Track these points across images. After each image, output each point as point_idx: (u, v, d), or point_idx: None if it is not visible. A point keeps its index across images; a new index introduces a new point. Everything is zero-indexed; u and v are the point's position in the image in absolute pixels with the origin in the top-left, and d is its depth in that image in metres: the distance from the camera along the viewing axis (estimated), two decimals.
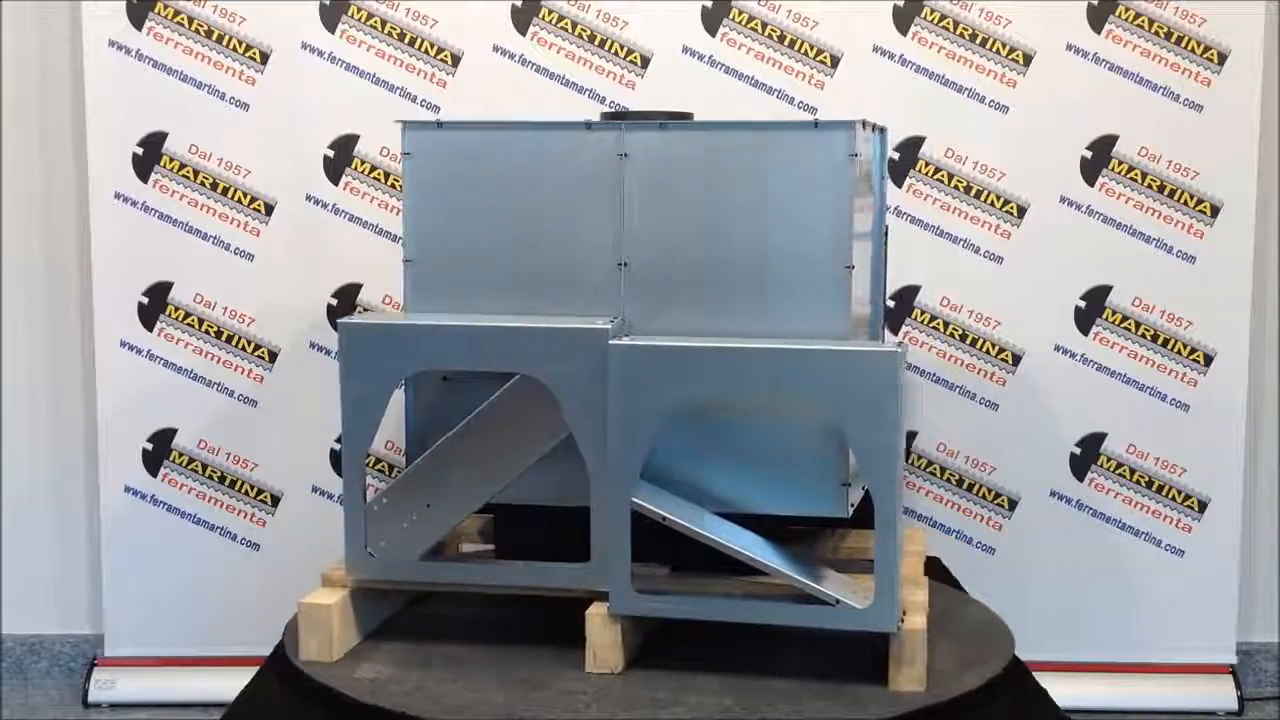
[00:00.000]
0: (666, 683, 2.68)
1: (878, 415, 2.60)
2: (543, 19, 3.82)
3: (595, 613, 2.71)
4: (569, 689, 2.64)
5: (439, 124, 2.96)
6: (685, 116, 2.94)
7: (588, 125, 2.88)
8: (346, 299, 3.87)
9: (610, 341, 2.66)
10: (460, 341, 2.74)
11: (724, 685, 2.68)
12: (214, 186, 3.85)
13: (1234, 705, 3.92)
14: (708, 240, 2.84)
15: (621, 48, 3.83)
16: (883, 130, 3.19)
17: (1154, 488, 3.92)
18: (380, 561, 2.79)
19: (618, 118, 3.10)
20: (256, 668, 3.04)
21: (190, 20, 3.80)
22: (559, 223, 2.86)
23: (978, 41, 3.82)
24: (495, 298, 2.86)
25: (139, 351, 3.88)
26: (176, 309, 3.87)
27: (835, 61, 3.83)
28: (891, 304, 3.85)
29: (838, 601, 2.65)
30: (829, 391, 2.63)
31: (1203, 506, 3.92)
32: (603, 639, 2.69)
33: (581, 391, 2.67)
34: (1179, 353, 3.88)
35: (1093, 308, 3.88)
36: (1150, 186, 3.85)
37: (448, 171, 2.89)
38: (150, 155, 3.83)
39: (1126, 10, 3.80)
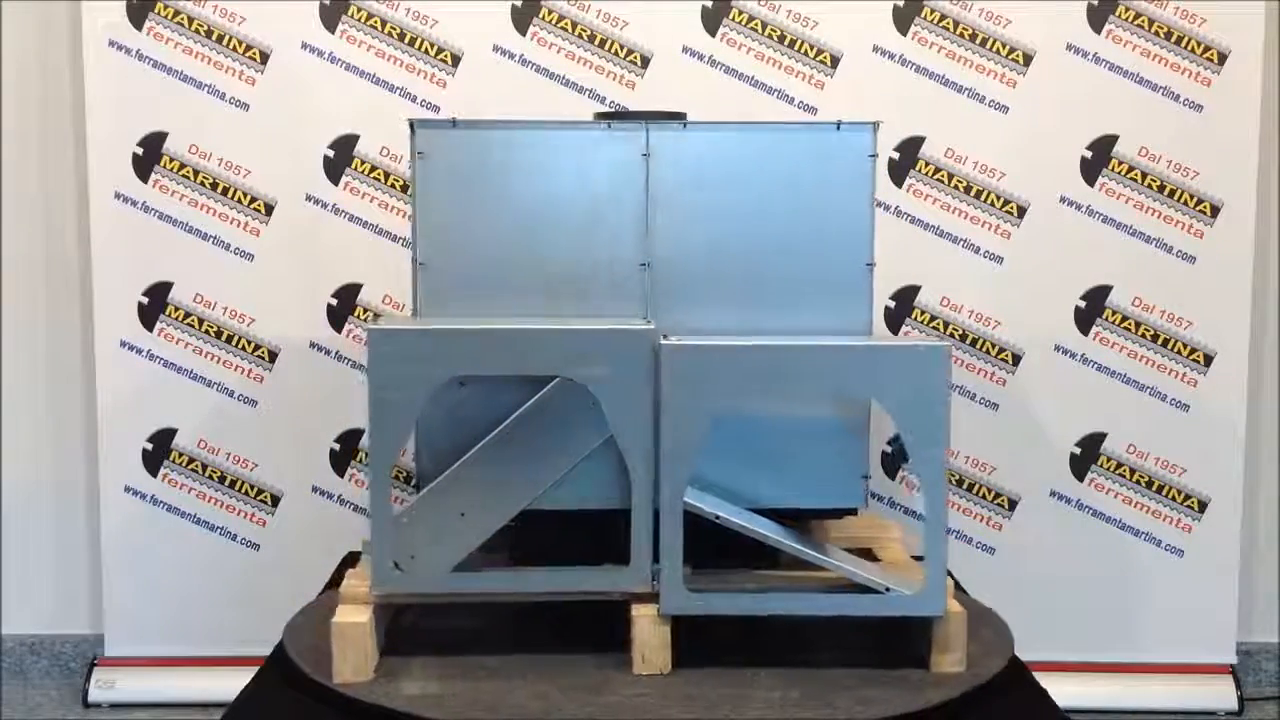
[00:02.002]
0: (721, 680, 2.67)
1: (929, 407, 2.67)
2: (543, 19, 3.82)
3: (644, 614, 2.68)
4: (633, 691, 2.62)
5: (453, 123, 2.90)
6: (678, 116, 2.95)
7: (609, 124, 2.87)
8: (346, 299, 3.87)
9: (663, 342, 2.65)
10: (499, 346, 2.67)
11: (778, 678, 2.69)
12: (214, 186, 3.85)
13: (1234, 705, 3.92)
14: (729, 240, 2.86)
15: (621, 48, 3.83)
16: None
17: (1154, 488, 3.92)
18: (410, 575, 2.70)
19: (610, 118, 3.11)
20: (256, 668, 3.04)
21: (190, 20, 3.80)
22: (578, 223, 2.85)
23: (978, 41, 3.82)
24: (512, 300, 2.83)
25: (139, 351, 3.88)
26: (176, 309, 3.87)
27: (835, 61, 3.83)
28: (892, 304, 3.85)
29: (887, 589, 2.70)
30: (882, 386, 2.68)
31: (1203, 506, 3.92)
32: (652, 640, 2.68)
33: (625, 393, 2.65)
34: (1179, 353, 3.88)
35: (1093, 308, 3.88)
36: (1150, 186, 3.85)
37: (462, 171, 2.84)
38: (150, 155, 3.83)
39: (1126, 10, 3.80)
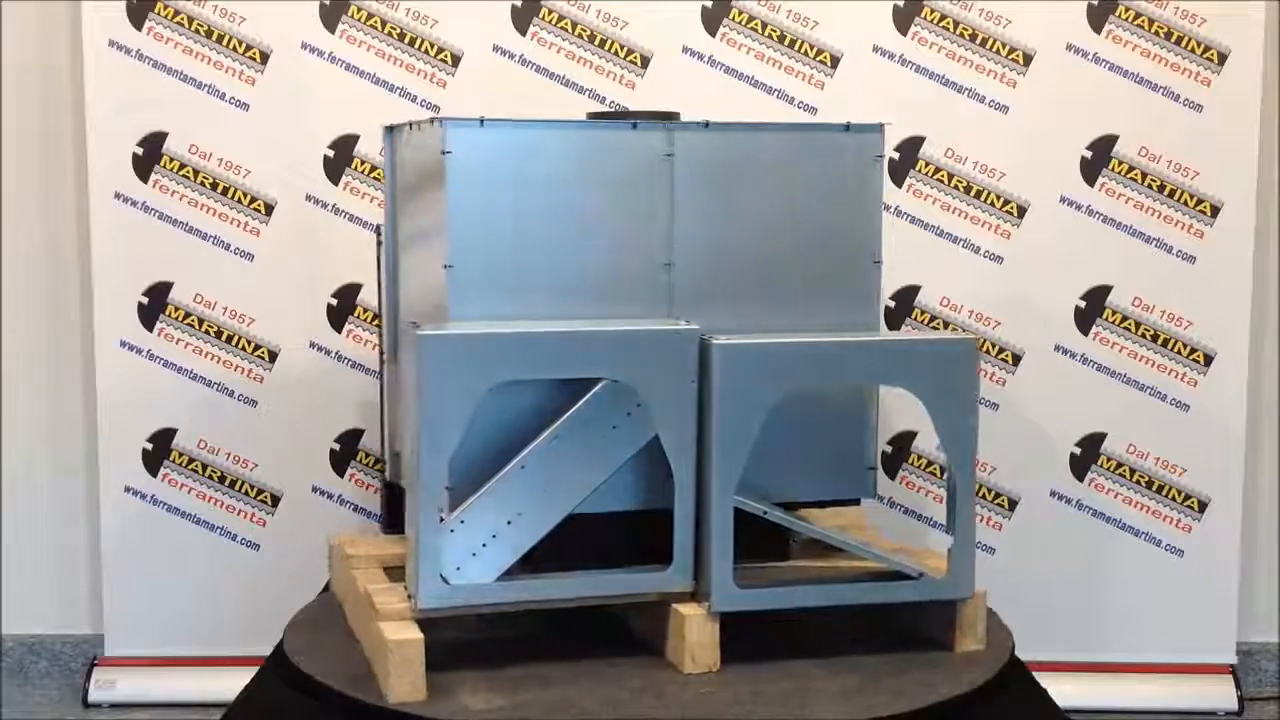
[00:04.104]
0: (771, 673, 2.70)
1: (960, 397, 2.81)
2: (543, 19, 3.82)
3: (692, 613, 2.69)
4: (698, 690, 2.62)
5: (481, 121, 2.81)
6: (672, 116, 2.96)
7: (634, 124, 2.87)
8: (346, 299, 3.87)
9: (716, 342, 2.67)
10: (548, 349, 2.65)
11: (826, 668, 2.73)
12: (214, 186, 3.85)
13: (1234, 705, 3.92)
14: (747, 239, 2.90)
15: (621, 48, 3.83)
16: None
17: (1154, 488, 3.92)
18: (456, 588, 2.63)
19: (603, 117, 3.12)
20: (256, 668, 3.04)
21: (190, 20, 3.80)
22: (604, 223, 2.84)
23: (978, 41, 3.82)
24: (539, 301, 2.79)
25: (139, 351, 3.87)
26: (176, 309, 3.87)
27: (835, 61, 3.83)
28: (892, 304, 3.86)
29: (920, 574, 2.80)
30: (918, 378, 2.80)
31: (1203, 506, 3.92)
32: (702, 639, 2.69)
33: (670, 394, 2.67)
34: (1179, 353, 3.88)
35: (1093, 308, 3.88)
36: (1150, 186, 3.85)
37: (490, 171, 2.78)
38: (150, 155, 3.83)
39: (1126, 10, 3.80)
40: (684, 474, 2.69)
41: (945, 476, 3.89)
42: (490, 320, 2.74)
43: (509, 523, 2.65)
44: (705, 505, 2.70)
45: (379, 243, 3.20)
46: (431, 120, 2.84)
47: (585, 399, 2.66)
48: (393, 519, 3.18)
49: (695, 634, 2.68)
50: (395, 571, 2.91)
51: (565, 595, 2.72)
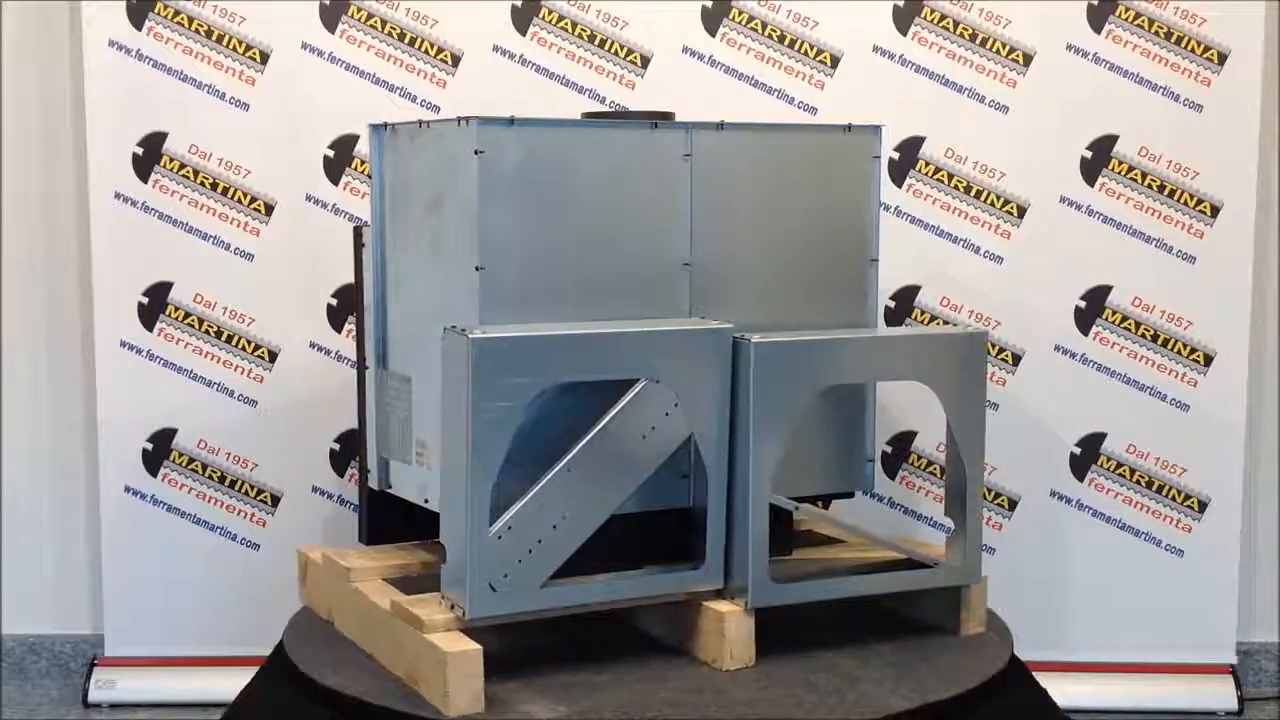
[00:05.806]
0: (807, 666, 2.74)
1: (970, 388, 2.94)
2: (543, 19, 3.82)
3: (730, 610, 2.71)
4: (744, 687, 2.64)
5: (511, 121, 2.76)
6: (667, 116, 2.96)
7: (653, 125, 2.87)
8: (346, 299, 3.87)
9: (754, 340, 2.70)
10: (595, 350, 2.64)
11: (854, 657, 2.78)
12: (214, 186, 3.85)
13: (1234, 705, 3.92)
14: (756, 238, 2.94)
15: (621, 48, 3.83)
16: None
17: (1154, 488, 3.92)
18: (504, 595, 2.60)
19: (599, 117, 3.12)
20: (257, 668, 3.04)
21: (190, 20, 3.80)
22: (627, 224, 2.84)
23: (978, 41, 3.82)
24: (562, 303, 2.78)
25: (139, 351, 3.87)
26: (176, 309, 3.87)
27: (835, 61, 3.83)
28: (891, 304, 3.86)
29: (937, 563, 2.90)
30: (935, 371, 2.89)
31: (1203, 506, 3.92)
32: (740, 635, 2.72)
33: (706, 393, 2.69)
34: (1179, 353, 3.89)
35: (1093, 308, 3.88)
36: (1150, 186, 3.85)
37: (518, 171, 2.75)
38: (150, 155, 3.83)
39: (1126, 10, 3.80)
40: (717, 472, 2.71)
41: (945, 475, 3.90)
42: (518, 324, 2.70)
43: (554, 527, 2.64)
44: (739, 503, 2.72)
45: (359, 244, 3.19)
46: (458, 120, 2.78)
47: (627, 399, 2.66)
48: (374, 529, 3.18)
49: (734, 630, 2.71)
50: (399, 583, 2.91)
51: (609, 598, 2.72)
